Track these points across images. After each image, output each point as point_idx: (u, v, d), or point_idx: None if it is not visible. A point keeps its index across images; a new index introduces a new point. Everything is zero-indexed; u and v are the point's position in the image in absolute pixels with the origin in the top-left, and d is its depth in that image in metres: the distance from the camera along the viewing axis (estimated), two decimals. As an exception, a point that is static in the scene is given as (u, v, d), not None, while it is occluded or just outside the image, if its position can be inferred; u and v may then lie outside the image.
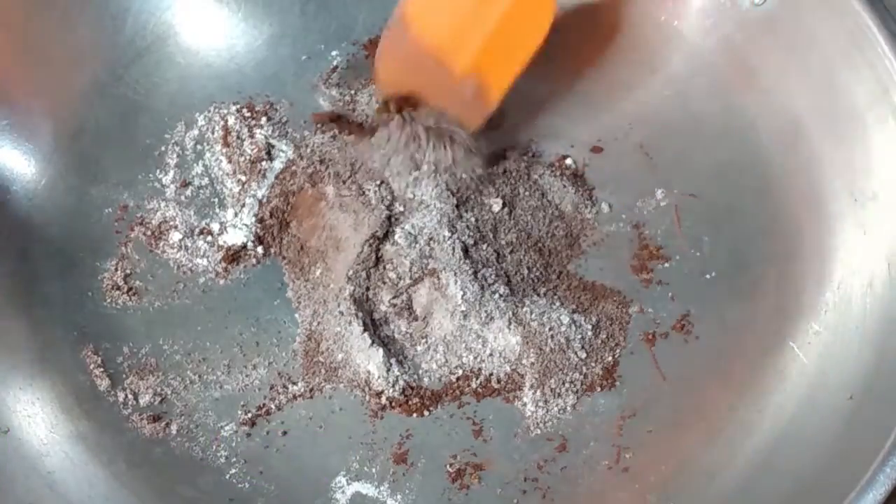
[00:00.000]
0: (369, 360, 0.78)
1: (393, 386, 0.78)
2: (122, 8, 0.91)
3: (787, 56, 0.81)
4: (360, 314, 0.80)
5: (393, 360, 0.79)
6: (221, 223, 0.88)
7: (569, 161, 0.88)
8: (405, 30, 0.80)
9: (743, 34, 0.84)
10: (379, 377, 0.78)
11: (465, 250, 0.81)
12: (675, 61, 0.88)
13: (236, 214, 0.88)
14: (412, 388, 0.79)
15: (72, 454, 0.77)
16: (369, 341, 0.78)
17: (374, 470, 0.77)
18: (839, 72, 0.77)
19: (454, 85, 0.80)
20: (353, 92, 0.93)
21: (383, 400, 0.79)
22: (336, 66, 0.94)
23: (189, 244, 0.87)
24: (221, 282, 0.85)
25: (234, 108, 0.92)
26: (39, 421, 0.78)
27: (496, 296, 0.80)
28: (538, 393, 0.78)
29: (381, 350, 0.78)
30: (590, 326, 0.80)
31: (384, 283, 0.82)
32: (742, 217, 0.83)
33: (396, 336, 0.81)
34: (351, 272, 0.81)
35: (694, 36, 0.87)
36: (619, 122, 0.89)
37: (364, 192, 0.84)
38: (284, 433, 0.79)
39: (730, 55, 0.85)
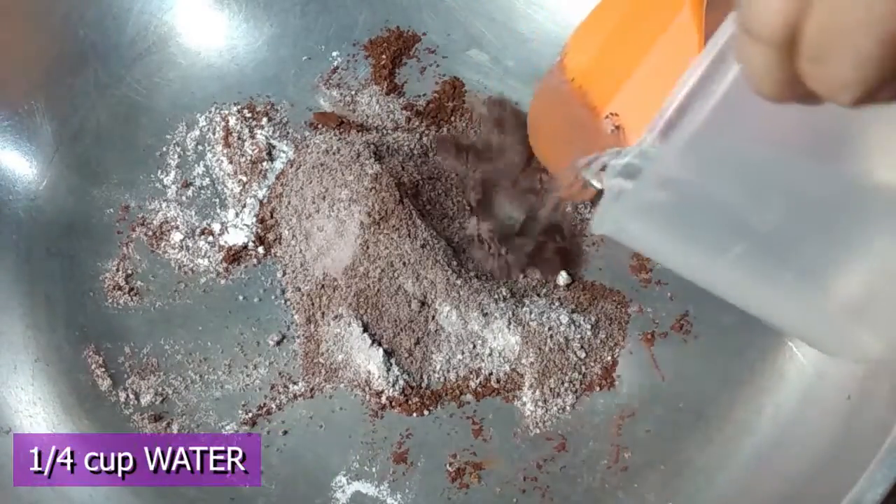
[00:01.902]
0: (369, 360, 0.78)
1: (393, 385, 0.79)
2: (123, 9, 0.91)
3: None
4: (360, 314, 0.80)
5: (393, 360, 0.79)
6: (222, 223, 0.88)
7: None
8: (561, 77, 0.81)
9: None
10: (379, 377, 0.78)
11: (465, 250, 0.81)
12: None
13: (237, 215, 0.88)
14: (412, 388, 0.79)
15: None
16: (369, 341, 0.79)
17: (374, 469, 0.77)
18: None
19: (598, 126, 0.79)
20: (353, 93, 0.93)
21: (383, 399, 0.79)
22: (336, 67, 0.94)
23: (190, 244, 0.87)
24: (222, 282, 0.86)
25: (235, 108, 0.92)
26: (41, 421, 0.79)
27: (496, 296, 0.81)
28: (537, 392, 0.78)
29: (380, 350, 0.79)
30: (589, 326, 0.80)
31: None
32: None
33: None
34: (351, 272, 0.81)
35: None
36: (619, 123, 0.89)
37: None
38: (285, 433, 0.79)
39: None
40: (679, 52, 0.74)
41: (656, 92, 0.75)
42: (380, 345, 0.79)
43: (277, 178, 0.89)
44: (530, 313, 0.80)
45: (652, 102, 0.76)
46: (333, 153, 0.86)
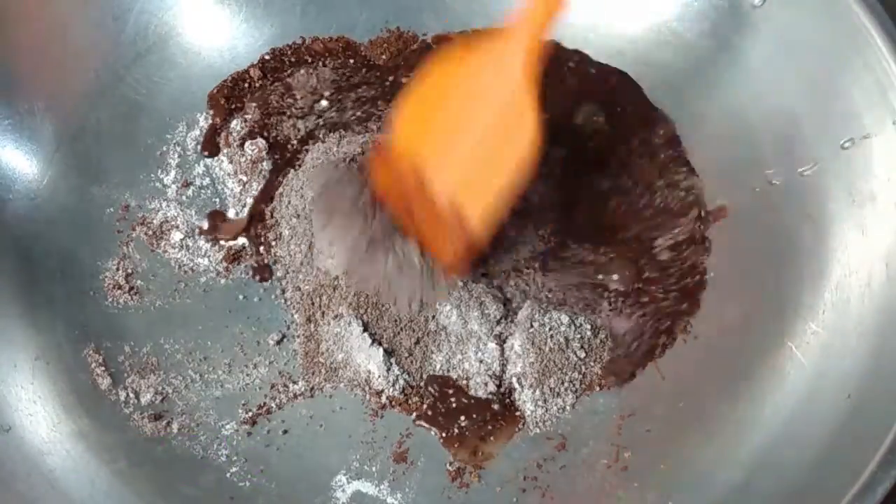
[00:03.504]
0: (369, 360, 0.78)
1: (393, 385, 0.79)
2: (123, 9, 0.91)
3: (785, 58, 0.81)
4: (360, 314, 0.80)
5: (393, 360, 0.79)
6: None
7: None
8: (393, 148, 0.76)
9: (741, 36, 0.84)
10: (379, 376, 0.78)
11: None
12: (674, 62, 0.89)
13: (237, 214, 0.88)
14: (412, 388, 0.79)
15: (73, 452, 0.77)
16: (369, 341, 0.79)
17: (374, 468, 0.77)
18: (837, 73, 0.78)
19: (438, 213, 0.75)
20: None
21: (383, 399, 0.79)
22: (337, 67, 0.94)
23: (190, 244, 0.87)
24: (223, 281, 0.86)
25: (235, 108, 0.93)
26: (41, 419, 0.78)
27: (497, 296, 0.81)
28: (537, 392, 0.78)
29: (381, 349, 0.79)
30: (589, 326, 0.80)
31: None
32: (741, 217, 0.84)
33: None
34: (351, 272, 0.81)
35: (692, 38, 0.87)
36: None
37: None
38: (285, 432, 0.79)
39: (729, 56, 0.85)
40: (512, 131, 0.71)
41: (491, 175, 0.72)
42: (380, 344, 0.79)
43: (277, 177, 0.89)
44: (531, 313, 0.80)
45: (487, 186, 0.72)
46: (333, 154, 0.87)
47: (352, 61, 0.94)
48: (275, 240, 0.86)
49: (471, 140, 0.73)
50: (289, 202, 0.86)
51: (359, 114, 0.91)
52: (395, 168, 0.76)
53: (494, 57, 0.71)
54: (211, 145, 0.90)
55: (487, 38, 0.71)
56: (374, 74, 0.93)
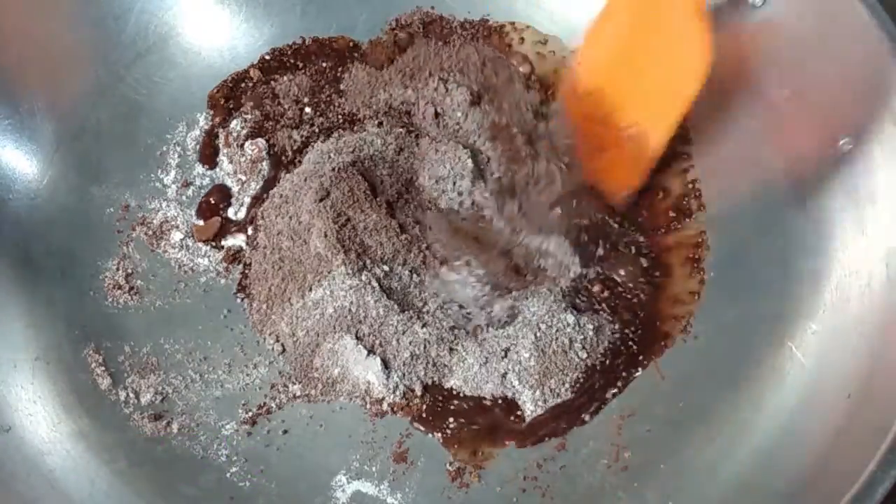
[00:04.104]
0: (367, 371, 0.78)
1: (394, 392, 0.78)
2: (124, 8, 0.91)
3: (786, 57, 0.81)
4: (351, 326, 0.79)
5: (391, 368, 0.79)
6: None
7: None
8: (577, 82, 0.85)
9: (742, 35, 0.84)
10: (379, 385, 0.78)
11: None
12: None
13: (236, 214, 0.88)
14: (412, 391, 0.79)
15: (73, 452, 0.77)
16: (365, 352, 0.78)
17: (374, 468, 0.77)
18: (838, 73, 0.78)
19: (619, 136, 0.83)
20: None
21: (384, 406, 0.79)
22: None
23: (190, 244, 0.87)
24: (222, 281, 0.86)
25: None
26: (41, 419, 0.78)
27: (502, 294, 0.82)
28: (538, 392, 0.78)
29: (378, 359, 0.78)
30: (591, 327, 0.80)
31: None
32: (741, 217, 0.84)
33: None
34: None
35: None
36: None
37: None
38: (285, 432, 0.79)
39: (729, 56, 0.85)
40: (685, 57, 0.76)
41: (668, 96, 0.78)
42: (375, 354, 0.79)
43: (276, 177, 0.89)
44: (538, 314, 0.80)
45: (666, 107, 0.78)
46: (332, 154, 0.87)
47: (324, 64, 0.94)
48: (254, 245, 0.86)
49: (650, 69, 0.80)
50: (277, 211, 0.86)
51: (342, 116, 0.92)
52: (579, 102, 0.84)
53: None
54: (208, 158, 0.90)
55: None
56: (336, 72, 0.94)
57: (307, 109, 0.92)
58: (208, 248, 0.87)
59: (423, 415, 0.79)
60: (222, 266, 0.86)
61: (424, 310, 0.81)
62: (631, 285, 0.83)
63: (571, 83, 0.86)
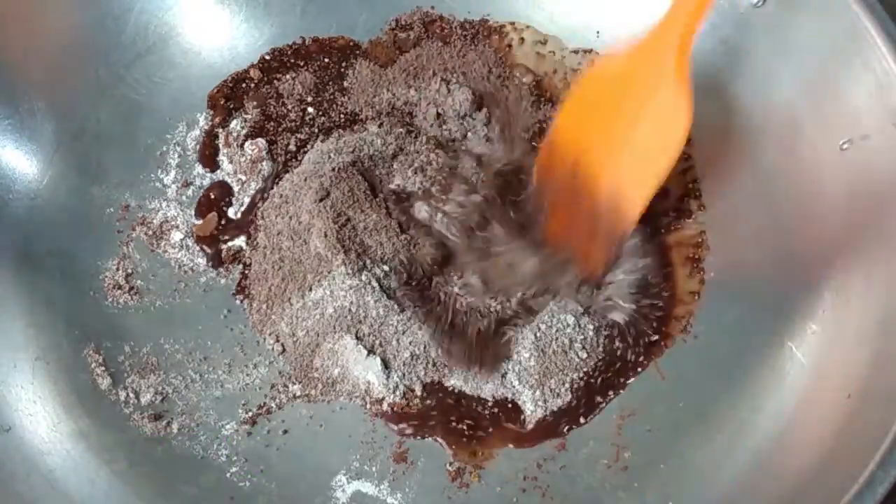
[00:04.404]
0: (367, 371, 0.78)
1: (394, 392, 0.78)
2: (123, 8, 0.91)
3: (785, 57, 0.81)
4: (351, 326, 0.79)
5: (391, 368, 0.79)
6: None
7: None
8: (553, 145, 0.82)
9: (742, 35, 0.84)
10: (379, 385, 0.78)
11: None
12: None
13: (236, 214, 0.88)
14: (412, 391, 0.79)
15: (73, 452, 0.77)
16: (365, 352, 0.78)
17: (374, 468, 0.77)
18: (838, 73, 0.78)
19: (594, 208, 0.80)
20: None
21: (385, 407, 0.79)
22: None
23: (190, 244, 0.87)
24: (222, 281, 0.85)
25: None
26: (41, 419, 0.78)
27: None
28: (538, 392, 0.78)
29: (378, 359, 0.78)
30: (592, 328, 0.80)
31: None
32: (741, 218, 0.84)
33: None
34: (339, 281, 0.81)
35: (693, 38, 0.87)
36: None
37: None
38: (285, 432, 0.79)
39: (729, 56, 0.85)
40: (667, 123, 0.75)
41: (649, 164, 0.76)
42: (375, 354, 0.79)
43: (276, 177, 0.89)
44: (539, 315, 0.80)
45: (646, 174, 0.77)
46: (332, 154, 0.86)
47: (327, 60, 0.94)
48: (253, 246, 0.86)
49: (628, 136, 0.77)
50: (277, 210, 0.86)
51: (344, 115, 0.92)
52: (556, 164, 0.81)
53: (648, 55, 0.74)
54: (208, 160, 0.90)
55: (640, 41, 0.75)
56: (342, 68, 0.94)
57: (310, 109, 0.92)
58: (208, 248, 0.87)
59: (424, 415, 0.79)
60: (222, 266, 0.86)
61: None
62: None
63: (547, 154, 0.83)
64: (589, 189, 0.80)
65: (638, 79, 0.75)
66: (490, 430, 0.78)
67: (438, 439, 0.78)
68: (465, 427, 0.78)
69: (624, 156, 0.78)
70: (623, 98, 0.77)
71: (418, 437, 0.78)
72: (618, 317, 0.81)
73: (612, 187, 0.78)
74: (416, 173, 0.85)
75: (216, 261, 0.86)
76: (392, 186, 0.85)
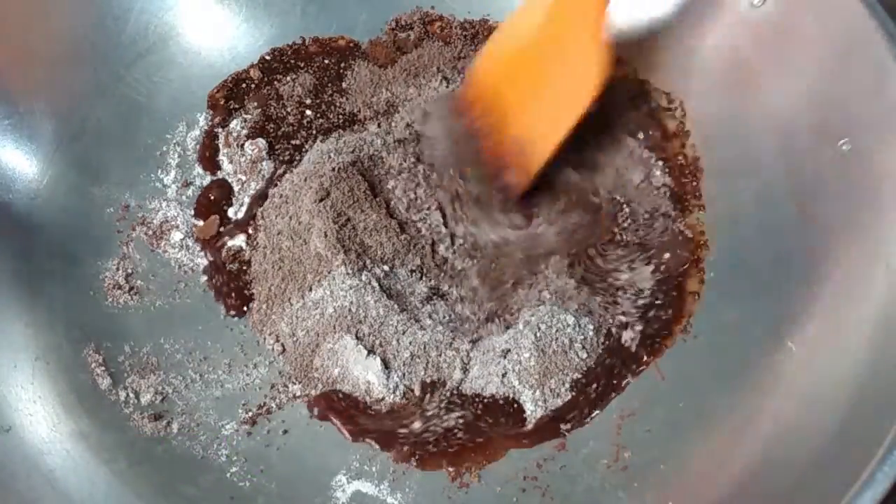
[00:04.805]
0: (367, 371, 0.78)
1: (394, 392, 0.78)
2: (123, 9, 0.92)
3: (786, 57, 0.81)
4: (351, 326, 0.79)
5: (391, 368, 0.79)
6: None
7: None
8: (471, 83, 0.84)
9: (742, 35, 0.84)
10: (379, 385, 0.78)
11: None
12: (674, 62, 0.89)
13: (236, 214, 0.88)
14: (412, 391, 0.79)
15: (73, 452, 0.77)
16: (365, 352, 0.78)
17: (374, 468, 0.77)
18: (838, 73, 0.78)
19: (506, 141, 0.83)
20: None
21: (384, 407, 0.79)
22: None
23: (190, 244, 0.87)
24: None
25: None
26: (41, 419, 0.78)
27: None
28: (538, 392, 0.78)
29: (378, 359, 0.78)
30: (592, 328, 0.80)
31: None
32: (740, 218, 0.84)
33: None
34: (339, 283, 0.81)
35: (693, 37, 0.87)
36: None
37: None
38: (285, 432, 0.79)
39: (728, 56, 0.85)
40: (578, 79, 0.78)
41: (557, 116, 0.79)
42: (376, 354, 0.79)
43: (276, 177, 0.89)
44: (538, 314, 0.80)
45: (552, 126, 0.80)
46: (332, 154, 0.87)
47: (327, 60, 0.94)
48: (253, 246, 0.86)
49: (540, 86, 0.80)
50: (277, 210, 0.86)
51: (342, 116, 0.92)
52: (474, 104, 0.84)
53: (567, 9, 0.77)
54: (208, 161, 0.90)
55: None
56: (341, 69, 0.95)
57: (308, 112, 0.92)
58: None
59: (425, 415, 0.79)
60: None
61: (423, 311, 0.81)
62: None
63: (463, 91, 0.86)
64: (501, 125, 0.83)
65: (555, 31, 0.78)
66: (490, 430, 0.78)
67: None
68: (465, 427, 0.78)
69: (535, 99, 0.81)
70: (538, 50, 0.79)
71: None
72: (626, 335, 0.81)
73: (519, 135, 0.82)
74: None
75: (214, 270, 0.86)
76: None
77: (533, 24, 0.79)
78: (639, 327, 0.81)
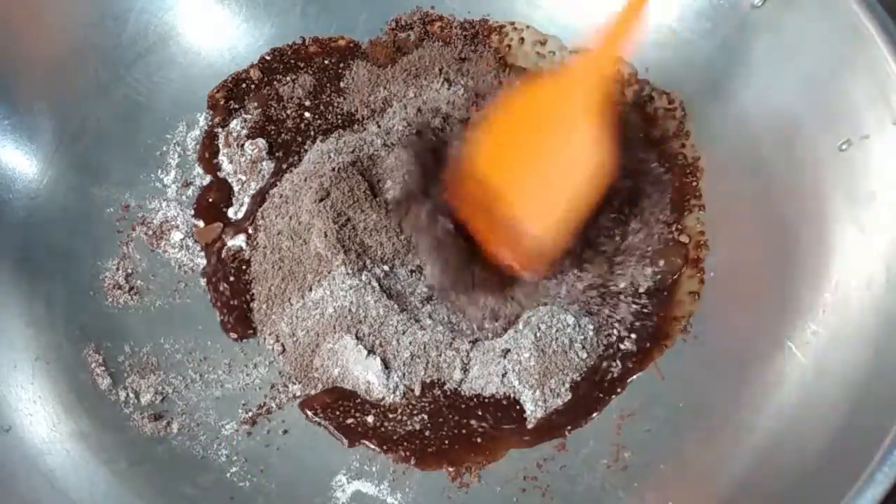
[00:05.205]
0: (367, 371, 0.78)
1: (394, 392, 0.78)
2: (123, 8, 0.92)
3: (786, 58, 0.81)
4: (351, 326, 0.79)
5: (391, 368, 0.79)
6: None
7: None
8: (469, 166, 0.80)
9: (742, 36, 0.84)
10: (379, 385, 0.78)
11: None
12: (674, 62, 0.89)
13: (236, 214, 0.88)
14: (412, 391, 0.79)
15: (73, 452, 0.77)
16: (365, 352, 0.78)
17: (374, 468, 0.77)
18: (838, 73, 0.78)
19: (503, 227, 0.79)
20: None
21: (383, 406, 0.79)
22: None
23: (190, 244, 0.87)
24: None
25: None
26: (41, 419, 0.78)
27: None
28: (538, 392, 0.78)
29: (378, 359, 0.78)
30: (592, 328, 0.80)
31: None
32: (740, 218, 0.84)
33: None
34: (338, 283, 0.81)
35: (693, 38, 0.87)
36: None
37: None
38: (285, 432, 0.79)
39: (729, 57, 0.85)
40: (579, 159, 0.75)
41: (558, 197, 0.76)
42: (376, 354, 0.79)
43: (276, 177, 0.89)
44: (538, 314, 0.80)
45: (554, 208, 0.76)
46: (332, 153, 0.87)
47: (327, 61, 0.94)
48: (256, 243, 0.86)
49: (540, 163, 0.77)
50: (277, 210, 0.86)
51: (341, 116, 0.92)
52: (468, 183, 0.79)
53: (566, 88, 0.75)
54: (208, 163, 0.90)
55: (560, 71, 0.75)
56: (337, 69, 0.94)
57: (306, 114, 0.92)
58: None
59: (424, 415, 0.79)
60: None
61: (423, 311, 0.81)
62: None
63: (458, 166, 0.81)
64: (498, 207, 0.77)
65: (552, 113, 0.76)
66: (490, 429, 0.78)
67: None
68: (465, 427, 0.78)
69: (533, 190, 0.77)
70: (536, 131, 0.77)
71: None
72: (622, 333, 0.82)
73: (522, 221, 0.77)
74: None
75: (212, 272, 0.86)
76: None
77: (538, 99, 0.76)
78: (634, 335, 0.81)
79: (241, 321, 0.83)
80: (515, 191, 0.77)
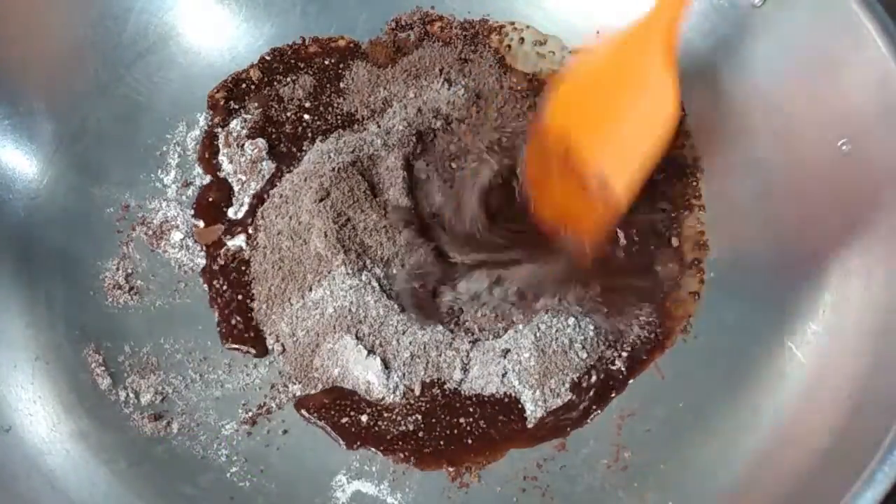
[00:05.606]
0: (367, 371, 0.78)
1: (394, 392, 0.78)
2: (123, 8, 0.92)
3: (785, 58, 0.81)
4: (351, 326, 0.79)
5: (391, 368, 0.79)
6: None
7: None
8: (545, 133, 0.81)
9: (742, 35, 0.84)
10: (379, 385, 0.78)
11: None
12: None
13: (236, 214, 0.88)
14: (412, 391, 0.79)
15: (73, 452, 0.77)
16: (365, 352, 0.78)
17: (374, 468, 0.77)
18: (837, 73, 0.78)
19: (584, 186, 0.80)
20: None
21: (383, 406, 0.79)
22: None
23: (190, 244, 0.87)
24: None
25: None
26: (41, 419, 0.78)
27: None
28: (538, 392, 0.78)
29: (378, 359, 0.78)
30: (592, 328, 0.80)
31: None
32: (740, 218, 0.84)
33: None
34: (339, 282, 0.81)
35: (693, 38, 0.87)
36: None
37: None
38: (285, 432, 0.79)
39: (729, 56, 0.85)
40: (655, 108, 0.75)
41: (636, 147, 0.77)
42: (376, 354, 0.79)
43: (276, 177, 0.89)
44: (539, 315, 0.80)
45: (633, 157, 0.77)
46: (332, 153, 0.87)
47: (327, 61, 0.94)
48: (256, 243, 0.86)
49: (617, 121, 0.78)
50: (277, 211, 0.86)
51: (340, 117, 0.92)
52: (547, 149, 0.81)
53: (637, 44, 0.76)
54: (208, 164, 0.90)
55: (627, 32, 0.76)
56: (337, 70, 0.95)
57: (306, 116, 0.92)
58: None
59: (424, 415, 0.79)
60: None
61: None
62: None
63: (538, 141, 0.83)
64: (579, 173, 0.80)
65: (627, 66, 0.77)
66: (490, 430, 0.78)
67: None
68: (465, 427, 0.78)
69: (612, 141, 0.78)
70: (612, 85, 0.78)
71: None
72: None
73: (601, 172, 0.78)
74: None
75: (212, 273, 0.86)
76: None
77: (606, 60, 0.78)
78: (634, 335, 0.81)
79: (239, 330, 0.83)
80: (596, 145, 0.79)
